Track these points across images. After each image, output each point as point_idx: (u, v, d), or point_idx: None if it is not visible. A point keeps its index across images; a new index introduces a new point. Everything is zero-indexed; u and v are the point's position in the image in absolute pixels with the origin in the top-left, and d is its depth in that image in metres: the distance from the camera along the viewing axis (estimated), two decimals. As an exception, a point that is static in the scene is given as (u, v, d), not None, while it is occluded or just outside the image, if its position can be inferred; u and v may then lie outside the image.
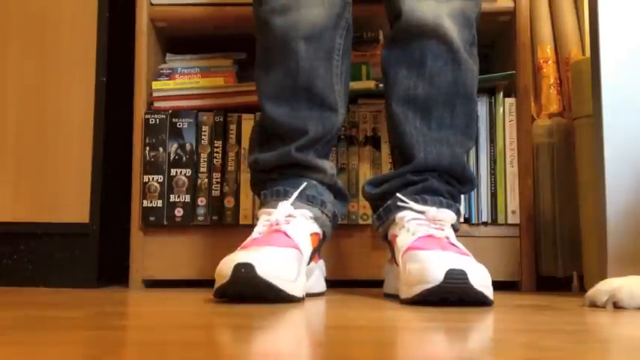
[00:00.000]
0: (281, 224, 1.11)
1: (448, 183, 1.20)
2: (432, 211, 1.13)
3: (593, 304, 1.01)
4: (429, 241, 1.09)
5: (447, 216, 1.14)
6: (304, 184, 1.18)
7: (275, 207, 1.15)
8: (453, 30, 1.19)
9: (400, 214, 1.15)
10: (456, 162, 1.20)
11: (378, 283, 1.26)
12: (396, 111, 1.21)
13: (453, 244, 1.10)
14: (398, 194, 1.16)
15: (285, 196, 1.16)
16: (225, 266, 1.02)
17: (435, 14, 1.19)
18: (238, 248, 1.09)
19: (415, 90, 1.20)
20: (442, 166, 1.19)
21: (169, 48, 1.57)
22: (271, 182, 1.21)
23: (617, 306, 0.98)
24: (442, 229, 1.12)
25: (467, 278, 0.99)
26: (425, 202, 1.15)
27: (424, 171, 1.18)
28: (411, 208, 1.14)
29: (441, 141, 1.20)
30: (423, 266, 1.02)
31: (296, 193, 1.16)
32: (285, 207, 1.14)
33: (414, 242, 1.09)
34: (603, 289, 1.01)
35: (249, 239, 1.11)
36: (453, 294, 1.00)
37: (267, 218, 1.14)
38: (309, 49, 1.18)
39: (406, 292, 1.05)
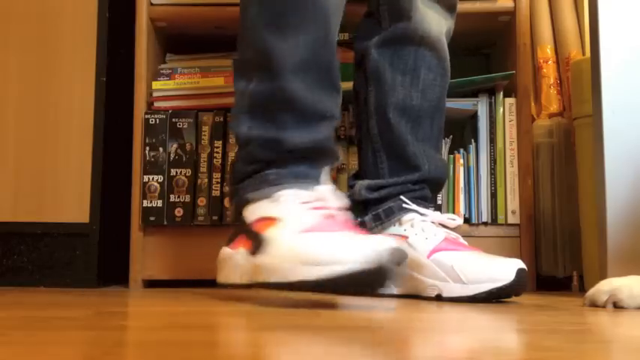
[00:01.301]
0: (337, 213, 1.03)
1: (433, 191, 1.27)
2: (435, 215, 1.21)
3: (593, 304, 1.01)
4: (457, 242, 1.17)
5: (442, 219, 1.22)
6: (327, 168, 1.10)
7: (325, 194, 1.04)
8: (446, 46, 1.26)
9: (408, 216, 1.20)
10: (447, 174, 1.31)
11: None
12: (395, 119, 1.23)
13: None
14: (402, 197, 1.21)
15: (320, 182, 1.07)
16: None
17: (438, 30, 1.25)
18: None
19: (411, 101, 1.24)
20: (440, 179, 1.27)
21: (169, 48, 1.57)
22: (297, 162, 1.06)
23: (617, 306, 0.98)
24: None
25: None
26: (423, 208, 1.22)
27: (425, 181, 1.23)
28: (416, 211, 1.20)
29: (437, 153, 1.27)
30: (490, 264, 1.10)
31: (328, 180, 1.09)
32: (340, 197, 1.06)
33: (442, 244, 1.15)
34: (603, 289, 1.01)
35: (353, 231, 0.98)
36: (518, 292, 1.10)
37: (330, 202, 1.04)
38: (335, 22, 1.06)
39: (461, 290, 1.10)
